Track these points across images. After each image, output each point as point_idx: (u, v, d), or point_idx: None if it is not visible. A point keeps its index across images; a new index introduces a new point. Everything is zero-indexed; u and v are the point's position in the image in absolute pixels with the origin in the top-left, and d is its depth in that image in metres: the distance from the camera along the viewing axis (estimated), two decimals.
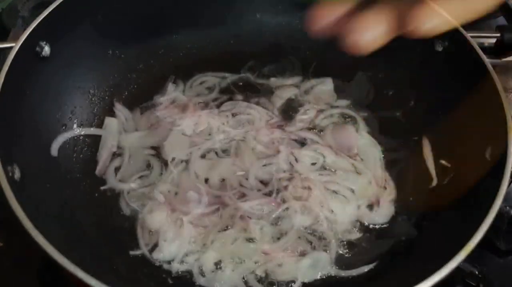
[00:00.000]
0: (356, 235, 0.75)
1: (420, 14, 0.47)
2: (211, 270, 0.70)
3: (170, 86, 0.91)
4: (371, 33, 0.50)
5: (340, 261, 0.72)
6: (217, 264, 0.71)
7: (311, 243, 0.73)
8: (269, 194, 0.77)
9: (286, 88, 0.92)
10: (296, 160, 0.81)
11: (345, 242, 0.74)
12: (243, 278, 0.70)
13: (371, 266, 0.71)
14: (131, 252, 0.71)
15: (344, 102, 0.90)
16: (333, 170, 0.81)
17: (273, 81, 0.93)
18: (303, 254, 0.72)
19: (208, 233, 0.72)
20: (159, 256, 0.70)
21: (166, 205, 0.74)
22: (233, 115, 0.87)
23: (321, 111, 0.88)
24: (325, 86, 0.92)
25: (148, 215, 0.74)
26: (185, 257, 0.71)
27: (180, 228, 0.72)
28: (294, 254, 0.72)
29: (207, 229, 0.73)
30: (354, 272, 0.71)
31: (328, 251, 0.72)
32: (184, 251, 0.71)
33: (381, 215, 0.77)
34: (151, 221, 0.73)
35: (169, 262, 0.70)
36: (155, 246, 0.71)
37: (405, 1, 0.49)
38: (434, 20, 0.47)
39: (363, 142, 0.85)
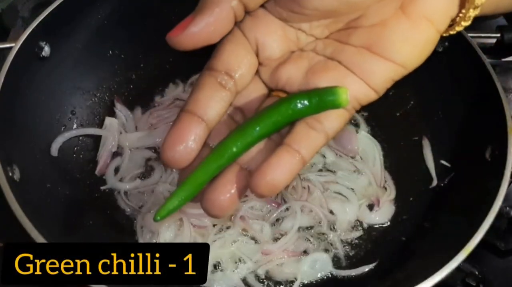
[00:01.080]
0: (356, 235, 0.75)
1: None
2: (211, 271, 0.70)
3: (170, 86, 0.91)
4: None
5: (340, 261, 0.72)
6: (217, 264, 0.71)
7: (311, 243, 0.73)
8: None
9: None
10: None
11: (345, 242, 0.74)
12: (243, 278, 0.70)
13: (371, 266, 0.71)
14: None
15: None
16: (333, 170, 0.81)
17: None
18: (303, 254, 0.72)
19: (207, 233, 0.72)
20: None
21: None
22: None
23: None
24: None
25: (147, 215, 0.74)
26: None
27: (180, 229, 0.73)
28: (294, 254, 0.72)
29: (207, 229, 0.73)
30: (353, 272, 0.71)
31: (328, 251, 0.73)
32: None
33: (382, 215, 0.77)
34: (151, 221, 0.73)
35: None
36: None
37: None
38: None
39: (363, 141, 0.85)
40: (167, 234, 0.72)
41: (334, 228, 0.75)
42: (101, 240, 0.71)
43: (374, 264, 0.71)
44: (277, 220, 0.75)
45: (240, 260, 0.71)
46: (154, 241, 0.72)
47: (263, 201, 0.76)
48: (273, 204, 0.76)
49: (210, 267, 0.70)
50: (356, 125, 0.87)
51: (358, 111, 0.88)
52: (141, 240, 0.72)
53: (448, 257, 0.57)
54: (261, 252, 0.71)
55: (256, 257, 0.71)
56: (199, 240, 0.72)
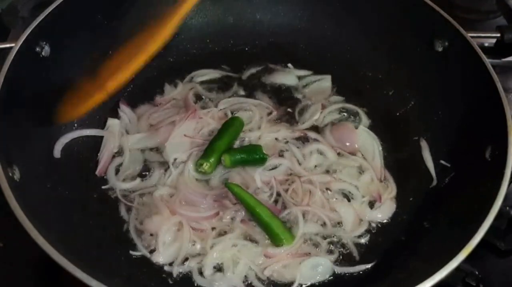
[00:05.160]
0: (357, 233, 0.74)
1: None
2: (211, 272, 0.69)
3: (168, 87, 0.91)
4: None
5: (340, 260, 0.72)
6: (217, 266, 0.70)
7: (314, 245, 0.73)
8: (270, 196, 0.77)
9: (287, 75, 0.94)
10: (300, 163, 0.81)
11: (346, 242, 0.74)
12: (243, 278, 0.69)
13: (370, 265, 0.71)
14: (131, 252, 0.71)
15: (340, 98, 0.91)
16: (336, 169, 0.81)
17: (272, 78, 0.94)
18: (305, 256, 0.71)
19: (208, 236, 0.72)
20: (159, 259, 0.70)
21: (166, 207, 0.74)
22: (232, 112, 0.87)
23: (323, 108, 0.88)
24: (324, 83, 0.93)
25: (147, 217, 0.73)
26: (185, 260, 0.70)
27: (179, 231, 0.72)
28: (298, 256, 0.71)
29: (206, 233, 0.72)
30: (352, 269, 0.71)
31: (329, 252, 0.72)
32: (184, 254, 0.70)
33: (383, 212, 0.77)
34: (151, 223, 0.72)
35: (169, 265, 0.70)
36: (155, 249, 0.71)
37: None
38: None
39: (362, 136, 0.85)
40: (166, 236, 0.71)
41: (336, 228, 0.75)
42: (100, 240, 0.71)
43: (373, 263, 0.71)
44: None
45: (240, 262, 0.71)
46: (154, 243, 0.71)
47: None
48: (275, 213, 0.74)
49: (210, 269, 0.70)
50: (357, 119, 0.88)
51: (359, 107, 0.90)
52: (139, 243, 0.71)
53: (448, 257, 0.57)
54: (263, 254, 0.71)
55: (258, 259, 0.71)
56: (198, 243, 0.72)
